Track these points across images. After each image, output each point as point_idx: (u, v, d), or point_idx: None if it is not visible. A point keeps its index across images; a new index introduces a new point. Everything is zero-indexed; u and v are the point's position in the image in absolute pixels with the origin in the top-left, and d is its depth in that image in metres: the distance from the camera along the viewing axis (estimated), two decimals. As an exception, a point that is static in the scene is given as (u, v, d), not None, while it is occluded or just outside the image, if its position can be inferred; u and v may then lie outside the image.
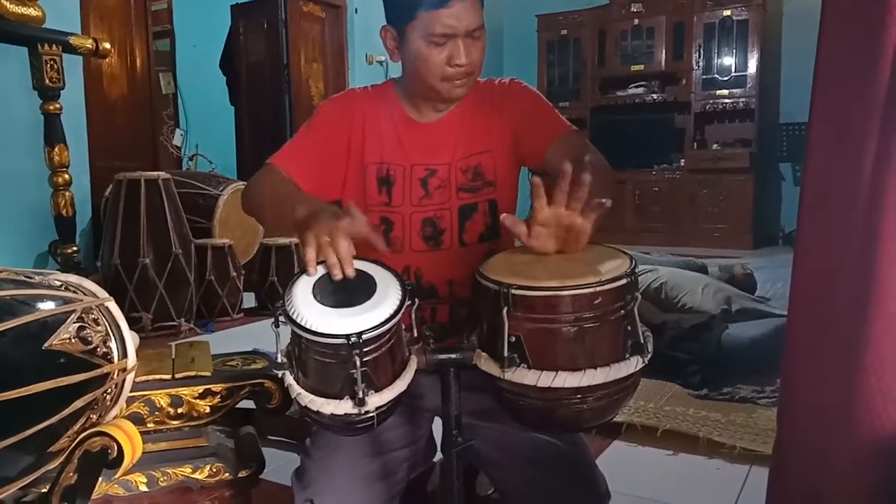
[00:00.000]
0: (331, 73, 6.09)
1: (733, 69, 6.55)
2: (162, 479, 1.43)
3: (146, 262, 3.32)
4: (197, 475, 1.47)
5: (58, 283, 1.06)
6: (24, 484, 1.00)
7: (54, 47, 3.29)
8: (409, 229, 1.21)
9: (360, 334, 0.81)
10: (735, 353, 2.57)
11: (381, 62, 6.16)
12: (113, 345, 1.07)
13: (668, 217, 6.80)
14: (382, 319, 0.84)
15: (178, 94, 5.96)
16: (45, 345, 0.96)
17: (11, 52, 3.28)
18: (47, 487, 1.07)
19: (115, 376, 1.07)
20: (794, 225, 0.95)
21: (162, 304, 3.35)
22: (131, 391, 1.19)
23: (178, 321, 3.39)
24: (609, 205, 0.89)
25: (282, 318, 0.86)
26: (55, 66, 3.29)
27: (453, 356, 0.94)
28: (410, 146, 1.21)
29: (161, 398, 1.43)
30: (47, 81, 3.27)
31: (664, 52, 6.80)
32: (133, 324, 2.50)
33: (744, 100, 6.50)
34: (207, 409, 1.47)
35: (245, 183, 1.36)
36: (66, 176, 3.41)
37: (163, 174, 3.50)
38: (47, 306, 0.99)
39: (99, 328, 1.05)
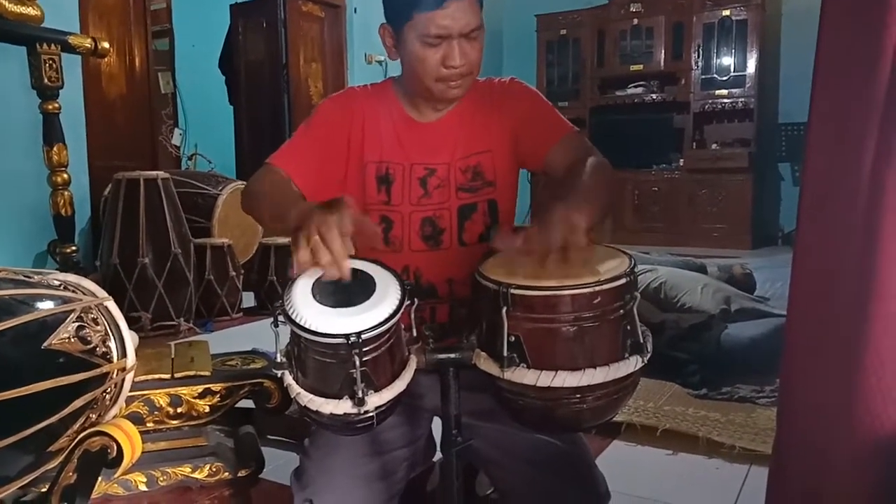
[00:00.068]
0: (330, 73, 6.09)
1: (732, 69, 6.55)
2: (161, 479, 1.43)
3: (145, 261, 3.32)
4: (196, 475, 1.47)
5: (57, 283, 1.06)
6: (23, 483, 1.00)
7: (53, 46, 3.29)
8: (408, 228, 1.21)
9: (359, 334, 0.81)
10: (734, 352, 2.58)
11: (380, 62, 6.15)
12: (112, 344, 1.07)
13: (668, 217, 6.81)
14: (382, 319, 0.84)
15: (177, 94, 5.96)
16: (45, 344, 0.95)
17: (10, 52, 3.28)
18: (47, 487, 1.06)
19: (115, 376, 1.07)
20: (794, 225, 0.95)
21: (161, 303, 3.35)
22: (131, 391, 1.19)
23: (178, 321, 3.39)
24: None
25: (281, 318, 0.86)
26: (54, 65, 3.29)
27: (453, 356, 0.94)
28: (410, 145, 1.21)
29: (160, 398, 1.43)
30: (46, 81, 3.26)
31: (663, 51, 6.80)
32: (132, 323, 2.50)
33: (743, 100, 6.50)
34: (207, 409, 1.47)
35: (244, 182, 1.36)
36: (65, 175, 3.40)
37: (162, 174, 3.50)
38: (46, 306, 0.99)
39: (98, 328, 1.05)
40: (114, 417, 1.13)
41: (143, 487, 1.41)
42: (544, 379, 0.84)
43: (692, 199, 6.68)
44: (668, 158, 6.92)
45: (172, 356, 1.56)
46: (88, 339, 1.01)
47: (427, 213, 1.20)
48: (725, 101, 6.58)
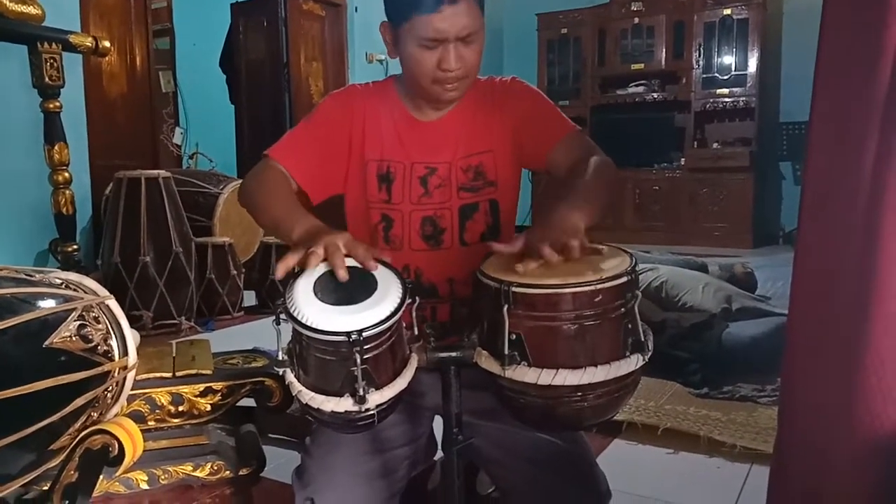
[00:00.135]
0: (331, 72, 6.09)
1: (733, 68, 6.55)
2: (163, 477, 1.43)
3: (146, 260, 3.32)
4: (198, 473, 1.47)
5: (58, 282, 1.06)
6: (25, 482, 1.00)
7: (54, 45, 3.29)
8: (408, 227, 1.20)
9: (360, 332, 0.81)
10: (735, 351, 2.58)
11: (380, 60, 6.15)
12: (114, 343, 1.07)
13: (669, 216, 6.80)
14: (383, 317, 0.84)
15: (178, 93, 5.96)
16: (46, 343, 0.96)
17: (11, 51, 3.28)
18: (48, 485, 1.07)
19: (116, 374, 1.07)
20: (795, 224, 0.95)
21: (162, 302, 3.35)
22: (132, 389, 1.19)
23: (179, 319, 3.39)
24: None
25: (282, 316, 0.86)
26: (55, 64, 3.29)
27: (454, 354, 0.94)
28: (411, 144, 1.21)
29: (162, 396, 1.43)
30: (47, 80, 3.27)
31: (664, 50, 6.80)
32: (133, 322, 2.50)
33: (744, 99, 6.50)
34: (208, 408, 1.47)
35: (245, 182, 1.35)
36: (67, 174, 3.41)
37: (163, 172, 3.50)
38: (48, 304, 0.99)
39: (99, 326, 1.05)
40: (115, 416, 1.14)
41: (144, 486, 1.41)
42: (545, 377, 0.84)
43: (693, 198, 6.68)
44: (669, 157, 6.92)
45: (174, 355, 1.56)
46: (90, 337, 1.02)
47: (428, 213, 1.20)
48: (726, 100, 6.58)
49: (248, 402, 1.66)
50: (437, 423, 1.13)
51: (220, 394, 1.47)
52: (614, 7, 7.01)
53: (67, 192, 3.42)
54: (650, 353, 0.89)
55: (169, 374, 1.45)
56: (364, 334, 0.81)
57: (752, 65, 6.44)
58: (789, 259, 0.92)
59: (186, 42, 6.00)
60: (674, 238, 6.52)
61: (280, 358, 0.91)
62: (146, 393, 1.42)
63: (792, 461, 0.91)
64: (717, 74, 6.63)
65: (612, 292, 0.85)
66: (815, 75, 0.85)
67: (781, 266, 3.77)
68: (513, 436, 1.12)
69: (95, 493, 1.14)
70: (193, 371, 1.45)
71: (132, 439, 1.10)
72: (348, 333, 0.81)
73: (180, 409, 1.45)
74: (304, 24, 5.83)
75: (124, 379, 1.11)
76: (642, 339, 0.88)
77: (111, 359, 1.05)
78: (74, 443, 1.04)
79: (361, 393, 0.83)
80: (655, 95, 6.90)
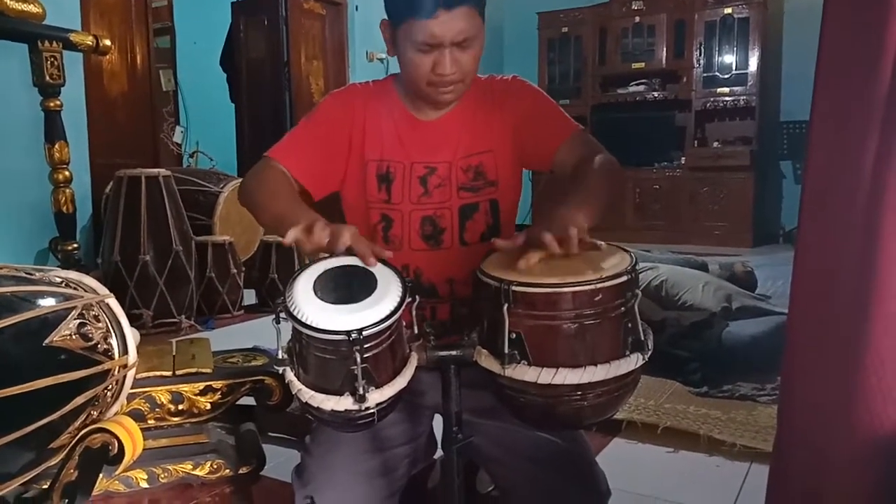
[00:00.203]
0: (331, 71, 6.08)
1: (734, 67, 6.54)
2: (162, 476, 1.43)
3: (147, 258, 3.32)
4: (197, 472, 1.47)
5: (58, 280, 1.06)
6: (24, 480, 1.00)
7: (55, 44, 3.29)
8: (407, 227, 1.20)
9: (360, 331, 0.81)
10: (735, 350, 2.58)
11: (381, 59, 6.15)
12: (114, 341, 1.07)
13: (669, 215, 6.80)
14: (383, 316, 0.84)
15: (178, 91, 5.96)
16: (46, 341, 0.96)
17: (12, 49, 3.28)
18: (48, 484, 1.07)
19: (116, 373, 1.07)
20: (795, 223, 0.95)
21: (162, 300, 3.35)
22: (132, 388, 1.19)
23: (179, 318, 3.39)
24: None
25: (282, 315, 0.86)
26: (55, 62, 3.29)
27: (454, 353, 0.94)
28: (411, 144, 1.21)
29: (162, 395, 1.43)
30: (48, 78, 3.27)
31: (665, 49, 6.79)
32: (133, 321, 2.50)
33: (744, 98, 6.49)
34: (208, 406, 1.47)
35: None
36: (67, 173, 3.41)
37: (163, 171, 3.50)
38: (48, 303, 0.99)
39: (99, 325, 1.05)
40: (115, 414, 1.14)
41: (144, 484, 1.41)
42: (545, 376, 0.84)
43: (693, 197, 6.68)
44: (669, 156, 6.92)
45: (174, 353, 1.56)
46: (90, 336, 1.02)
47: (427, 213, 1.20)
48: (727, 99, 6.57)
49: (248, 400, 1.66)
50: (437, 422, 1.13)
51: (219, 392, 1.47)
52: (615, 6, 7.00)
53: (68, 190, 3.42)
54: (650, 352, 0.89)
55: (169, 373, 1.45)
56: (364, 333, 0.81)
57: (753, 64, 6.43)
58: (789, 258, 0.92)
59: (187, 41, 6.00)
60: (674, 237, 6.52)
61: (280, 356, 0.91)
62: (146, 391, 1.42)
63: (791, 460, 0.91)
64: (717, 73, 6.62)
65: (612, 291, 0.85)
66: (815, 74, 0.85)
67: (781, 265, 3.77)
68: (513, 434, 1.12)
69: (95, 492, 1.15)
70: (193, 370, 1.45)
71: (132, 438, 1.10)
72: (348, 332, 0.81)
73: (180, 407, 1.45)
74: (304, 23, 5.82)
75: (124, 377, 1.11)
76: (642, 338, 0.88)
77: (111, 357, 1.05)
78: (74, 441, 1.04)
79: (361, 392, 0.83)
80: (656, 94, 6.90)
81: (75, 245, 3.49)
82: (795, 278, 0.89)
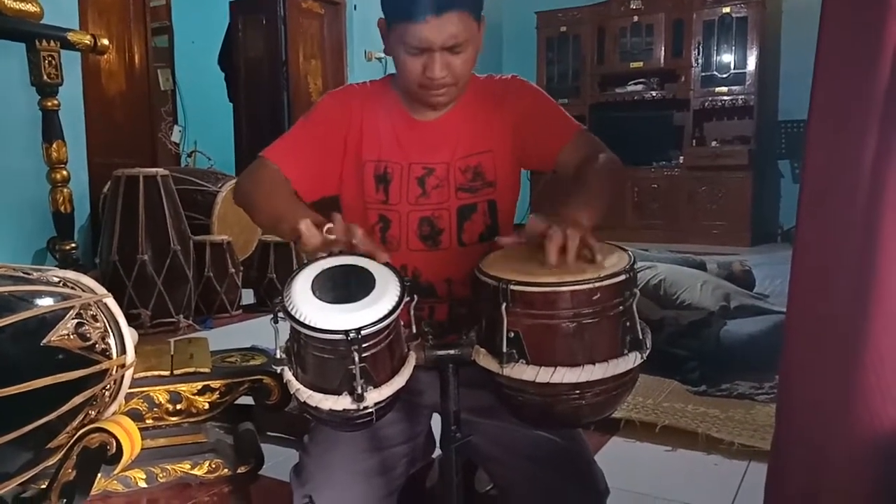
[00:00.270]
0: (329, 70, 6.08)
1: (732, 66, 6.54)
2: (161, 476, 1.43)
3: (145, 258, 3.32)
4: (196, 471, 1.47)
5: (56, 280, 1.06)
6: (23, 480, 1.00)
7: (52, 43, 3.28)
8: (405, 228, 1.20)
9: (358, 330, 0.81)
10: (733, 349, 2.58)
11: (379, 59, 6.14)
12: (111, 341, 1.07)
13: (667, 214, 6.80)
14: (381, 315, 0.84)
15: (176, 91, 5.96)
16: (44, 341, 0.96)
17: (9, 49, 3.27)
18: (46, 483, 1.07)
19: (114, 372, 1.07)
20: (793, 222, 0.95)
21: (160, 300, 3.35)
22: (130, 387, 1.19)
23: (177, 318, 3.39)
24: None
25: (280, 314, 0.86)
26: (53, 62, 3.28)
27: (452, 352, 0.94)
28: (409, 144, 1.20)
29: (160, 394, 1.43)
30: (45, 77, 3.26)
31: (663, 49, 6.79)
32: (131, 320, 2.50)
33: (743, 97, 6.50)
34: (206, 406, 1.47)
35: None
36: (65, 172, 3.40)
37: (161, 171, 3.50)
38: (45, 302, 0.99)
39: (97, 324, 1.05)
40: (113, 414, 1.14)
41: (142, 484, 1.41)
42: (543, 375, 0.84)
43: (692, 197, 6.68)
44: (667, 156, 6.92)
45: (172, 353, 1.56)
46: (88, 335, 1.02)
47: (425, 213, 1.20)
48: (725, 98, 6.58)
49: (247, 400, 1.65)
50: (436, 421, 1.13)
51: (218, 392, 1.47)
52: (613, 5, 7.00)
53: (65, 190, 3.41)
54: (648, 351, 0.89)
55: (167, 373, 1.45)
56: (362, 332, 0.81)
57: (751, 63, 6.44)
58: (787, 257, 0.92)
59: (185, 40, 6.00)
60: (672, 236, 6.52)
61: (278, 356, 0.91)
62: (144, 391, 1.42)
63: (790, 458, 0.91)
64: (716, 73, 6.63)
65: (611, 290, 0.85)
66: (814, 73, 0.85)
67: (780, 264, 3.77)
68: (511, 433, 1.12)
69: (93, 492, 1.15)
70: (192, 369, 1.45)
71: (130, 438, 1.10)
72: (346, 332, 0.81)
73: (178, 407, 1.45)
74: (302, 22, 5.82)
75: (122, 377, 1.11)
76: (640, 337, 0.88)
77: (109, 357, 1.05)
78: (72, 441, 1.04)
79: (360, 391, 0.83)
80: (654, 94, 6.90)
81: (73, 245, 3.48)
82: (794, 277, 0.89)
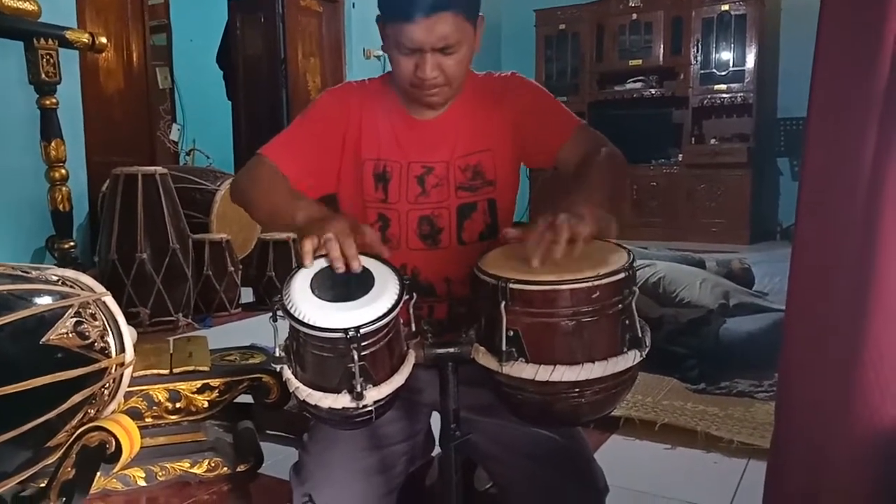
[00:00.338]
0: (328, 68, 6.07)
1: (731, 64, 6.54)
2: (160, 474, 1.43)
3: (143, 257, 3.31)
4: (195, 470, 1.47)
5: (55, 278, 1.06)
6: (22, 478, 1.00)
7: (50, 42, 3.27)
8: (405, 227, 1.20)
9: (357, 328, 0.81)
10: (733, 347, 2.58)
11: (378, 57, 6.14)
12: (110, 339, 1.07)
13: (666, 212, 6.80)
14: (380, 314, 0.84)
15: (174, 89, 5.94)
16: (43, 339, 0.96)
17: (7, 47, 3.27)
18: (45, 482, 1.07)
19: (113, 371, 1.07)
20: (792, 220, 0.95)
21: (159, 299, 3.35)
22: (129, 386, 1.19)
23: (176, 316, 3.39)
24: (615, 229, 0.91)
25: (280, 313, 0.86)
26: (51, 60, 3.28)
27: (451, 350, 0.94)
28: (408, 143, 1.20)
29: (159, 393, 1.43)
30: (43, 76, 3.25)
31: (662, 46, 6.79)
32: (130, 319, 2.49)
33: (742, 95, 6.49)
34: (206, 404, 1.47)
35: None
36: (63, 171, 3.40)
37: (160, 169, 3.49)
38: (44, 301, 0.99)
39: (96, 323, 1.05)
40: (112, 413, 1.14)
41: (141, 482, 1.41)
42: (543, 373, 0.84)
43: (691, 194, 6.68)
44: (666, 153, 6.92)
45: (171, 351, 1.56)
46: (87, 334, 1.01)
47: (425, 212, 1.20)
48: (724, 96, 6.57)
49: (246, 398, 1.65)
50: (435, 419, 1.13)
51: (217, 390, 1.47)
52: (612, 3, 7.00)
53: (64, 188, 3.41)
54: (648, 349, 0.89)
55: (166, 371, 1.45)
56: (361, 331, 0.81)
57: (750, 61, 6.43)
58: (786, 255, 0.92)
59: (183, 38, 5.98)
60: (671, 234, 6.52)
61: (277, 354, 0.91)
62: (143, 390, 1.42)
63: (789, 456, 0.91)
64: (714, 70, 6.62)
65: (610, 288, 0.85)
66: (813, 71, 0.85)
67: (779, 262, 3.77)
68: (510, 432, 1.12)
69: (93, 491, 1.15)
70: (191, 368, 1.45)
71: (129, 436, 1.10)
72: (345, 330, 0.81)
73: (178, 405, 1.44)
74: (301, 20, 5.81)
75: (121, 376, 1.11)
76: (640, 335, 0.88)
77: (108, 355, 1.05)
78: (71, 440, 1.04)
79: (359, 389, 0.83)
80: (653, 91, 6.89)
81: (72, 243, 3.48)
82: (793, 274, 0.89)
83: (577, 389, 0.86)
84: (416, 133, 1.21)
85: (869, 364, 0.76)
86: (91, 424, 1.06)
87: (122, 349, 1.08)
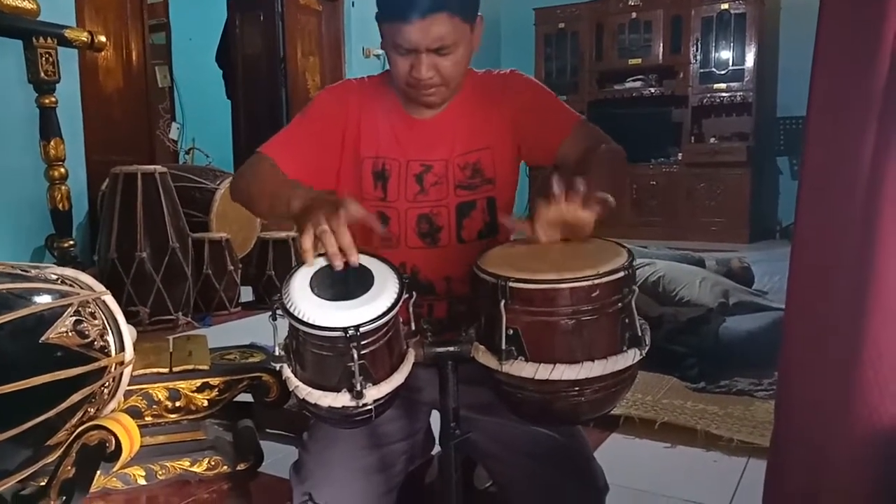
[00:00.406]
0: (327, 67, 6.07)
1: (731, 63, 6.54)
2: (160, 473, 1.43)
3: (143, 255, 3.31)
4: (195, 468, 1.47)
5: (54, 277, 1.06)
6: (22, 477, 1.00)
7: (49, 40, 3.27)
8: (404, 225, 1.20)
9: (357, 327, 0.81)
10: (732, 346, 2.58)
11: (377, 55, 6.13)
12: (110, 338, 1.07)
13: (666, 211, 6.81)
14: (380, 312, 0.84)
15: (174, 88, 5.94)
16: (42, 338, 0.96)
17: (6, 46, 3.27)
18: (45, 481, 1.07)
19: (113, 370, 1.07)
20: (792, 219, 0.95)
21: (159, 298, 3.35)
22: (129, 385, 1.19)
23: (176, 315, 3.39)
24: (612, 202, 0.89)
25: (279, 312, 0.86)
26: (50, 59, 3.27)
27: (451, 349, 0.94)
28: (407, 142, 1.20)
29: (159, 392, 1.43)
30: (42, 75, 3.25)
31: (662, 45, 6.79)
32: (130, 318, 2.49)
33: (741, 93, 6.50)
34: (205, 403, 1.47)
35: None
36: (63, 170, 3.39)
37: (159, 168, 3.49)
38: (44, 300, 0.99)
39: (96, 322, 1.05)
40: (112, 411, 1.14)
41: (141, 481, 1.41)
42: (542, 372, 0.84)
43: (690, 193, 6.68)
44: (666, 152, 6.92)
45: (171, 350, 1.56)
46: (86, 333, 1.01)
47: (424, 210, 1.20)
48: (724, 94, 6.58)
49: (246, 397, 1.65)
50: (435, 418, 1.13)
51: (217, 389, 1.47)
52: (612, 2, 7.00)
53: (63, 187, 3.40)
54: (647, 348, 0.89)
55: (166, 370, 1.45)
56: (361, 329, 0.81)
57: (750, 59, 6.44)
58: (786, 254, 0.92)
59: (182, 37, 5.98)
60: (671, 233, 6.52)
61: (277, 353, 0.91)
62: (143, 388, 1.42)
63: (789, 455, 0.91)
64: (714, 69, 6.62)
65: (610, 287, 0.85)
66: (812, 69, 0.85)
67: (778, 261, 3.77)
68: (510, 430, 1.12)
69: (93, 489, 1.15)
70: (190, 366, 1.45)
71: (129, 435, 1.10)
72: (345, 329, 0.81)
73: (177, 404, 1.44)
74: (300, 19, 5.80)
75: (121, 374, 1.11)
76: (639, 334, 0.88)
77: (108, 354, 1.05)
78: (71, 438, 1.04)
79: (359, 388, 0.83)
80: (653, 90, 6.89)
81: (71, 242, 3.48)
82: (792, 273, 0.89)
83: (576, 388, 0.86)
84: (415, 131, 1.21)
85: (868, 363, 0.76)
86: (91, 423, 1.06)
87: (121, 348, 1.08)
